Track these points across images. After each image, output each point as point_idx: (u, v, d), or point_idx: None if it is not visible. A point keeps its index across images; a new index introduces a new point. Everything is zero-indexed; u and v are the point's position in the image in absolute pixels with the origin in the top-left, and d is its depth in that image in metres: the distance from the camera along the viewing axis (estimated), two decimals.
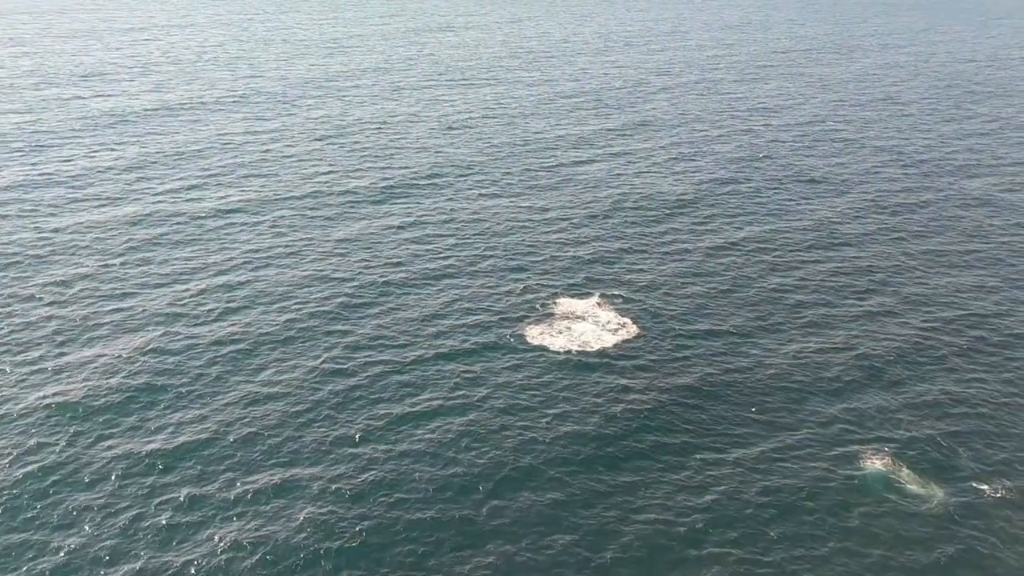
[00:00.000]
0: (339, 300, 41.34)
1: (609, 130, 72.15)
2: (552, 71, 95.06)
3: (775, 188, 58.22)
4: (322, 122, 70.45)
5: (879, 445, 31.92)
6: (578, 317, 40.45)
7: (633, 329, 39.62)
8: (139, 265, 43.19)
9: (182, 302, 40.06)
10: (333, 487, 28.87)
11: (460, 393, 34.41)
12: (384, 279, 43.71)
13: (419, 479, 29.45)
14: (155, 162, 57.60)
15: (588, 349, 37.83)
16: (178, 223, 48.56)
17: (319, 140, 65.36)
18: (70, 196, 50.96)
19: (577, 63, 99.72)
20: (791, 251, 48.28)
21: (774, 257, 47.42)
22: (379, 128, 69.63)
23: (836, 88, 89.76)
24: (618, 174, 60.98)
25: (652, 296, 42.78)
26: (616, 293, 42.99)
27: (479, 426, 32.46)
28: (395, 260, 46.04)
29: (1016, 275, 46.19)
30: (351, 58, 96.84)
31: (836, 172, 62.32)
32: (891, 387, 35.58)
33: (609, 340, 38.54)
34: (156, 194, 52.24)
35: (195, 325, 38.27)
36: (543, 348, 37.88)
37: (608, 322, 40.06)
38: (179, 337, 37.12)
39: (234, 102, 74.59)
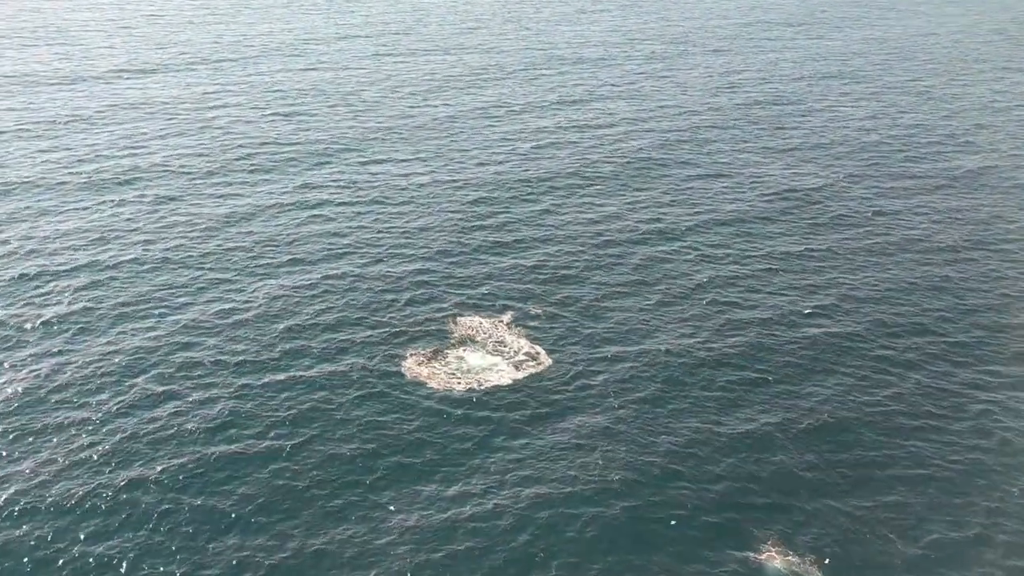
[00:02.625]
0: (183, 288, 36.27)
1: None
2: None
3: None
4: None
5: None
6: (479, 342, 33.76)
7: (544, 361, 32.78)
8: None
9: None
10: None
11: (272, 436, 28.40)
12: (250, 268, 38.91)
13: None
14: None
15: (474, 388, 31.04)
16: None
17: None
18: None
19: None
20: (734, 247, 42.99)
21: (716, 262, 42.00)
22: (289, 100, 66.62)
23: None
24: (561, 163, 55.50)
25: (579, 315, 36.10)
26: (536, 311, 36.26)
27: (264, 487, 26.29)
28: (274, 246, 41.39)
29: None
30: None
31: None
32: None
33: (507, 376, 31.66)
34: None
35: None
36: (418, 384, 31.24)
37: (516, 351, 33.29)
38: None
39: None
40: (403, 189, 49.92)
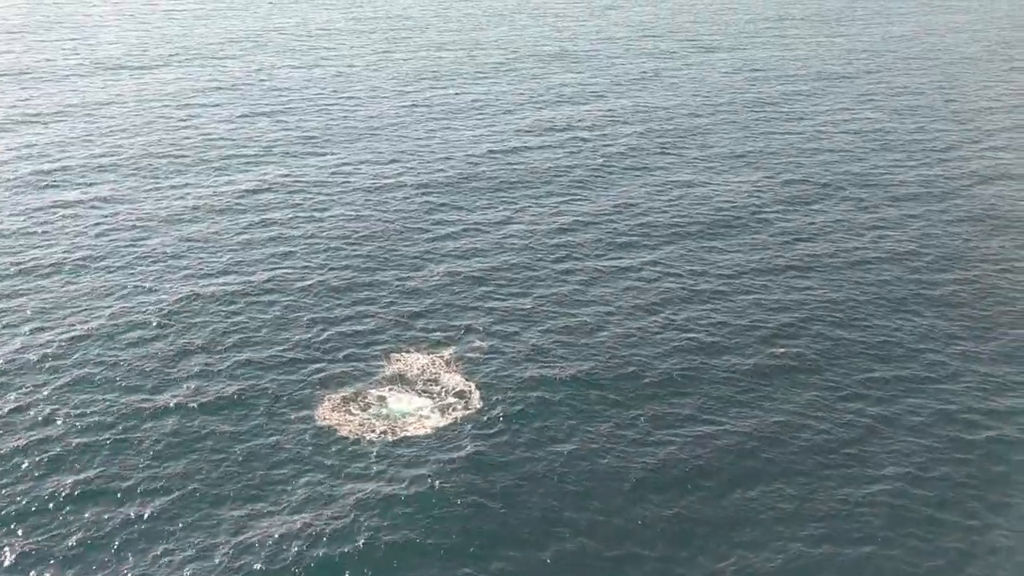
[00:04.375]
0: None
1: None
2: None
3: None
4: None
5: None
6: (409, 381, 28.99)
7: (475, 403, 28.04)
8: None
9: None
10: None
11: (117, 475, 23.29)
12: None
13: None
14: None
15: (388, 437, 26.29)
16: None
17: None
18: None
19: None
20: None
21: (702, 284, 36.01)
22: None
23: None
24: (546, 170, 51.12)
25: (524, 351, 30.98)
26: (477, 344, 31.41)
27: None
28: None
29: None
30: None
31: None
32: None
33: (428, 424, 27.00)
34: None
35: None
36: (326, 431, 26.56)
37: (447, 390, 28.57)
38: None
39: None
40: (364, 191, 45.07)
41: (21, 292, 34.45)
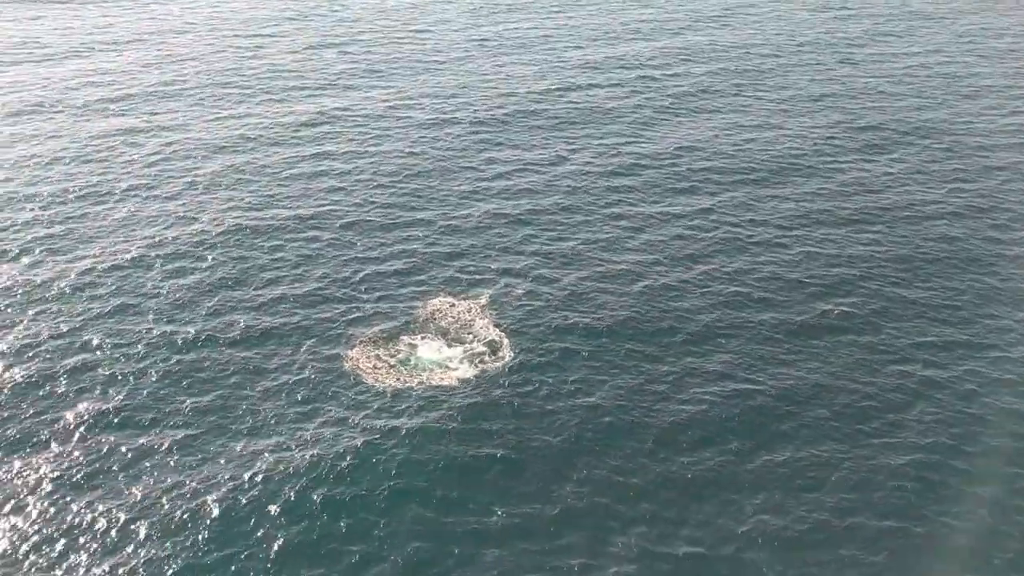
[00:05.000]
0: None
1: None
2: None
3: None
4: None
5: None
6: (441, 328, 28.33)
7: (505, 353, 27.20)
8: None
9: None
10: None
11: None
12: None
13: None
14: None
15: (412, 386, 25.67)
16: None
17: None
18: None
19: None
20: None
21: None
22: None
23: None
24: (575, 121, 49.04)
25: (561, 299, 30.00)
26: (515, 290, 30.48)
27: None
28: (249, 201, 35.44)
29: None
30: None
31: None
32: None
33: (454, 375, 26.24)
34: None
35: None
36: (350, 375, 26.10)
37: (479, 340, 27.77)
38: None
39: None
40: (420, 126, 44.25)
41: (71, 217, 35.11)
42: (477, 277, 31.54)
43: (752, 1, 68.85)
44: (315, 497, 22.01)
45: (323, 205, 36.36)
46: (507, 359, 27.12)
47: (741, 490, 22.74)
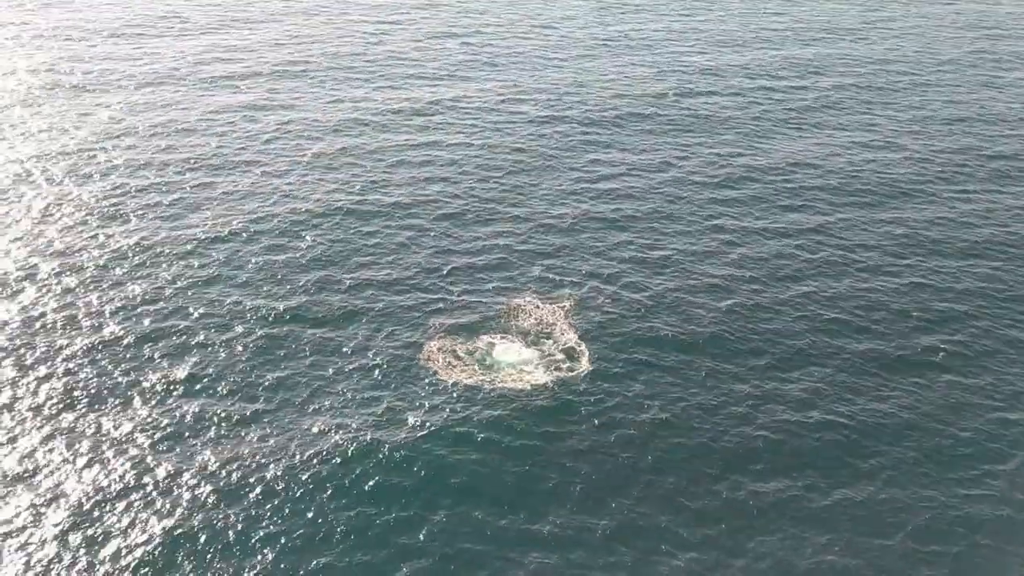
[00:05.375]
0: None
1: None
2: None
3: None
4: None
5: None
6: (522, 329, 27.93)
7: (582, 363, 26.51)
8: None
9: None
10: None
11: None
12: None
13: None
14: None
15: (484, 385, 25.28)
16: None
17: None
18: None
19: None
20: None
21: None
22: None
23: None
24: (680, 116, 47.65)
25: (647, 309, 29.16)
26: (602, 296, 29.84)
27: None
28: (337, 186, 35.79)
29: None
30: None
31: None
32: None
33: (528, 379, 25.68)
34: None
35: None
36: (424, 368, 25.96)
37: (557, 344, 27.26)
38: None
39: None
40: (529, 122, 43.95)
41: (183, 186, 36.52)
42: (565, 279, 31.13)
43: (893, 15, 65.91)
44: (369, 484, 22.10)
45: (424, 194, 36.63)
46: (584, 368, 26.53)
47: (808, 526, 21.65)
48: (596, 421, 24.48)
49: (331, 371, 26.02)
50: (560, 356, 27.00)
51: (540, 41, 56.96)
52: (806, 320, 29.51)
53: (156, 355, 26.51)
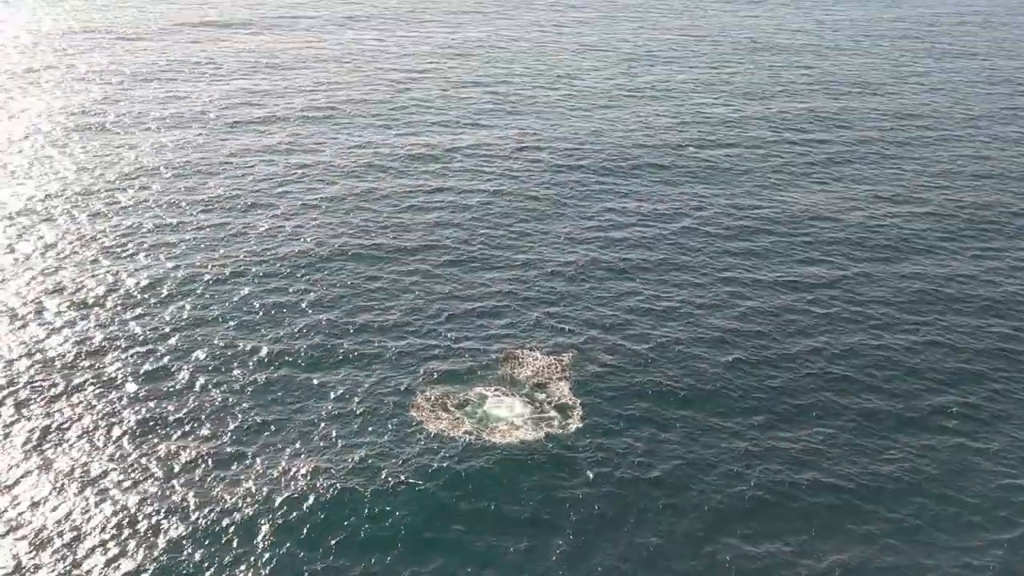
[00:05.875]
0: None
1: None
2: None
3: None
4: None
5: None
6: (516, 382, 27.20)
7: (574, 421, 25.69)
8: None
9: None
10: None
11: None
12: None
13: None
14: None
15: (470, 439, 24.52)
16: None
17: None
18: None
19: None
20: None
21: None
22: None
23: None
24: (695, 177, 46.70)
25: (647, 361, 28.40)
26: (601, 347, 29.14)
27: None
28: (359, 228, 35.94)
29: None
30: None
31: None
32: None
33: (515, 434, 24.93)
34: None
35: None
36: (411, 419, 25.30)
37: (550, 400, 26.44)
38: None
39: None
40: (545, 169, 43.77)
41: (190, 226, 36.78)
42: (567, 328, 30.54)
43: (927, 69, 65.14)
44: (341, 534, 21.57)
45: (432, 239, 36.46)
46: (576, 424, 25.71)
47: None
48: (582, 478, 23.72)
49: (317, 416, 25.61)
50: (553, 413, 26.20)
51: (565, 91, 57.09)
52: (812, 377, 28.58)
53: (145, 393, 26.38)
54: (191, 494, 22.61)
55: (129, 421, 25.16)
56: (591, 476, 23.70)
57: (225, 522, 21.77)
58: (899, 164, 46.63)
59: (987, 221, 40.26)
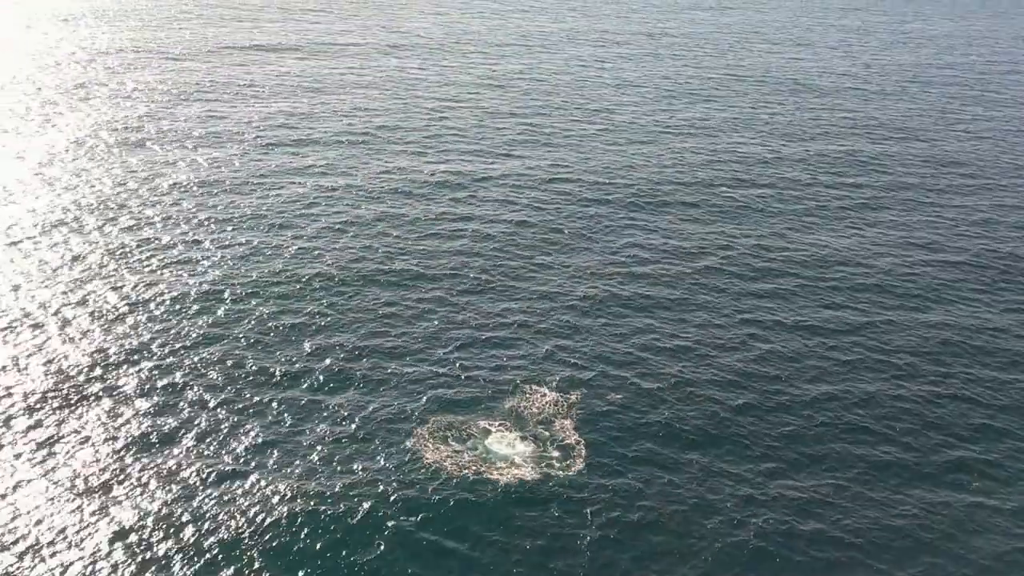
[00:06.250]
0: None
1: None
2: None
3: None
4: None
5: None
6: (520, 419, 26.71)
7: (576, 463, 25.04)
8: None
9: None
10: None
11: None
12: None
13: None
14: None
15: (468, 475, 24.11)
16: None
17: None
18: None
19: None
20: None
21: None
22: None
23: None
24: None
25: (655, 402, 27.86)
26: (610, 385, 28.61)
27: None
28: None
29: None
30: None
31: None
32: None
33: (518, 472, 24.38)
34: None
35: None
36: (410, 450, 24.93)
37: (553, 440, 25.87)
38: None
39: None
40: (572, 201, 43.48)
41: (210, 242, 37.16)
42: (578, 363, 30.08)
43: (973, 116, 63.80)
44: (326, 555, 21.40)
45: (451, 267, 36.35)
46: (578, 467, 25.08)
47: None
48: (580, 520, 23.19)
49: (317, 439, 25.47)
50: (555, 452, 25.60)
51: (601, 125, 56.92)
52: (825, 425, 27.75)
53: (146, 407, 26.46)
54: (182, 509, 22.58)
55: (133, 435, 25.25)
56: (589, 519, 23.17)
57: (211, 540, 21.68)
58: (938, 211, 45.60)
59: (1018, 272, 39.22)
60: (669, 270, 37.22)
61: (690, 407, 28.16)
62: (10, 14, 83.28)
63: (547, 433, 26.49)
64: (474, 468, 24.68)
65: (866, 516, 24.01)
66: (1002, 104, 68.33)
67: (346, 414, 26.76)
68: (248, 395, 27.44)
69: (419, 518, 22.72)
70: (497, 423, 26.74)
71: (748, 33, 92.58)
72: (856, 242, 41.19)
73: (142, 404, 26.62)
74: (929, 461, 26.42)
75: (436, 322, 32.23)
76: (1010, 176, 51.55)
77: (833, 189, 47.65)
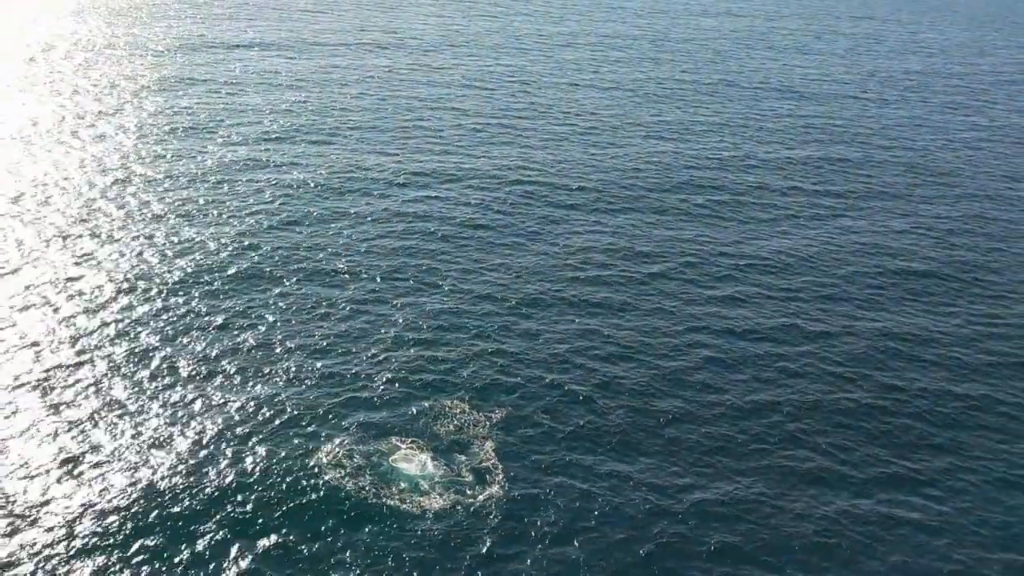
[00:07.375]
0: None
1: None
2: None
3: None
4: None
5: None
6: (436, 438, 24.98)
7: (490, 489, 23.30)
8: None
9: None
10: None
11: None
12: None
13: None
14: None
15: (359, 494, 22.51)
16: None
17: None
18: None
19: None
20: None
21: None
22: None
23: None
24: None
25: (584, 423, 26.26)
26: (538, 403, 27.00)
27: None
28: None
29: None
30: None
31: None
32: None
33: (422, 499, 22.57)
34: None
35: None
36: (311, 469, 23.38)
37: (468, 463, 24.08)
38: None
39: None
40: (539, 204, 42.07)
41: (160, 234, 36.21)
42: (509, 369, 28.57)
43: (966, 125, 61.92)
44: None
45: (394, 266, 34.95)
46: (487, 495, 23.20)
47: None
48: (484, 552, 21.52)
49: (212, 434, 24.32)
50: (467, 477, 23.75)
51: (583, 127, 55.32)
52: (758, 436, 26.34)
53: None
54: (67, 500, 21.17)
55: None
56: (494, 551, 21.43)
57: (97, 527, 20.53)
58: (914, 220, 43.54)
59: (987, 280, 37.60)
60: (622, 274, 35.97)
61: (619, 416, 26.79)
62: None
63: (462, 455, 24.62)
64: (373, 490, 22.96)
65: (776, 527, 22.66)
66: (1001, 115, 66.42)
67: (250, 411, 25.62)
68: (154, 388, 26.44)
69: (293, 535, 21.43)
70: (408, 441, 24.99)
71: (754, 39, 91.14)
72: (824, 250, 39.63)
73: (41, 399, 25.60)
74: (857, 474, 24.86)
75: (364, 324, 30.85)
76: (995, 187, 49.77)
77: (809, 197, 46.09)
